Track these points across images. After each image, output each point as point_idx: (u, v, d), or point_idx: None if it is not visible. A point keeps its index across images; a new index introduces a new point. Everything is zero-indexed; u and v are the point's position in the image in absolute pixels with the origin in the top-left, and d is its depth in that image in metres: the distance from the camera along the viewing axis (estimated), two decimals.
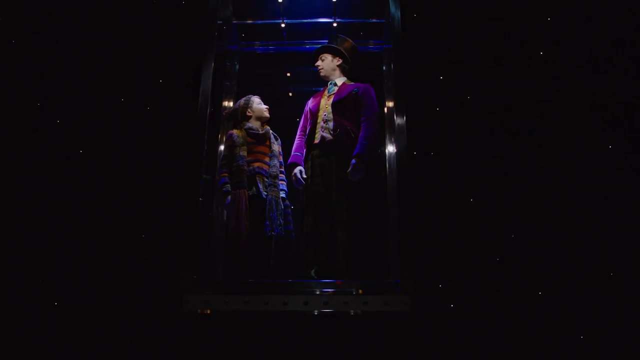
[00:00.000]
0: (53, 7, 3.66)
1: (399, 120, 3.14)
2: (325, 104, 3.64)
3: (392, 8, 3.48)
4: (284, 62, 4.54)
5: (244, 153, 3.47)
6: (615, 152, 3.18)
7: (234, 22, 4.29)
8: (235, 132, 3.56)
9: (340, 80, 3.75)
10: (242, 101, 3.70)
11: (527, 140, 3.21)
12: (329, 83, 3.76)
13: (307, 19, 4.21)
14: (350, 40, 3.82)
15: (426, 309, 2.81)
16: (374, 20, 4.15)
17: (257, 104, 3.68)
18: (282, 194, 3.58)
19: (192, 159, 3.17)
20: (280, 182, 3.60)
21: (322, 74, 3.78)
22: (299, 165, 3.61)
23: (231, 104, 4.03)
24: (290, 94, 4.59)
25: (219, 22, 3.90)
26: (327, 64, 3.77)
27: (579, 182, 3.12)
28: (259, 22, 4.35)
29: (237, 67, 4.42)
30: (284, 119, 4.05)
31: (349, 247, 3.26)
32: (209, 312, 2.85)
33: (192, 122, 3.23)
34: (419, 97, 3.30)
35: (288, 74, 4.63)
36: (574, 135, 3.22)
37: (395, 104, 3.22)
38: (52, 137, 3.34)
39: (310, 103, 3.78)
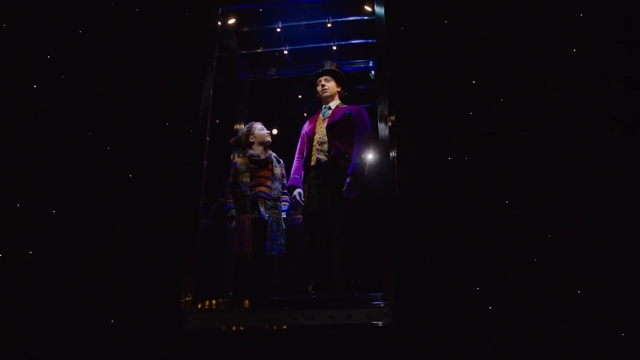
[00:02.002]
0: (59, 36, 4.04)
1: (383, 127, 3.34)
2: (320, 127, 3.82)
3: (377, 8, 3.71)
4: (291, 86, 4.76)
5: (246, 179, 3.70)
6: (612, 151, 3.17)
7: (241, 52, 4.59)
8: (238, 160, 3.82)
9: (334, 104, 3.92)
10: (244, 129, 3.95)
11: (515, 145, 3.24)
12: (324, 107, 3.94)
13: (308, 44, 4.51)
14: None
15: (410, 320, 2.88)
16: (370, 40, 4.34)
17: (259, 130, 3.89)
18: (284, 215, 3.77)
19: (192, 185, 3.52)
20: (283, 203, 3.80)
21: (326, 94, 3.92)
22: (298, 187, 3.80)
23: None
24: (305, 114, 4.79)
25: (223, 54, 4.22)
26: (333, 86, 3.94)
27: (570, 184, 3.13)
28: (265, 50, 4.64)
29: (247, 93, 4.71)
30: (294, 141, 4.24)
31: (346, 262, 3.41)
32: None
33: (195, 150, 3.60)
34: (406, 101, 3.46)
35: (300, 96, 4.83)
36: (569, 135, 3.24)
37: (379, 106, 3.41)
38: (54, 163, 3.68)
39: (306, 127, 3.96)
